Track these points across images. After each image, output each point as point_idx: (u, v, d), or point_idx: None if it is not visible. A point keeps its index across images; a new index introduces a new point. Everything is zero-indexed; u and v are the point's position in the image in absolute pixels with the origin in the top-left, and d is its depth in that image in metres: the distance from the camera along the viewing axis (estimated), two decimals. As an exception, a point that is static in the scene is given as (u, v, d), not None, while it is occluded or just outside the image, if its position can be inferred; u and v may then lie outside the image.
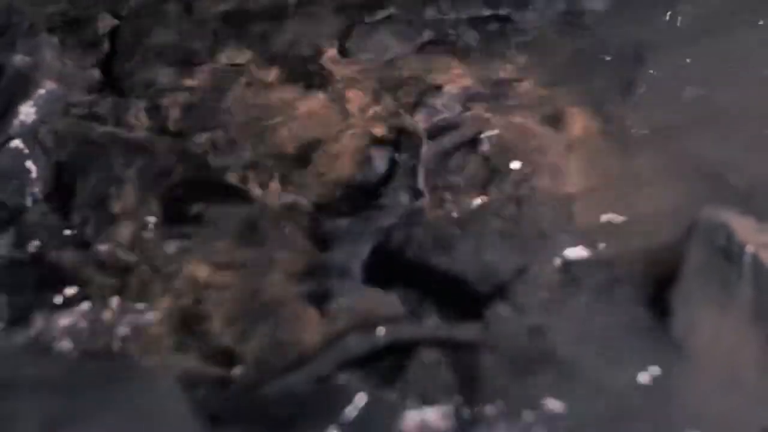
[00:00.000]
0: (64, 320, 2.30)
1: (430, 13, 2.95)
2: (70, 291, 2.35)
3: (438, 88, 2.72)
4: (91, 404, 2.00)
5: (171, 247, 2.43)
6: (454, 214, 2.42)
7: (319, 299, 2.29)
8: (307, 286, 2.32)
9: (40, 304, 2.33)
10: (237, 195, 2.52)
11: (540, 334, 2.19)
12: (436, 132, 2.61)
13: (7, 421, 1.95)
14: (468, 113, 2.65)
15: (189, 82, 2.78)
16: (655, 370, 2.13)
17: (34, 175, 2.58)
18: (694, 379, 2.12)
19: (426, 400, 2.10)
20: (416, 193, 2.48)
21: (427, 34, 2.89)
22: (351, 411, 2.06)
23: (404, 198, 2.47)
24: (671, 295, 2.20)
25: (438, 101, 2.68)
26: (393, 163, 2.54)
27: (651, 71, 2.74)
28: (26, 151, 2.60)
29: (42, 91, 2.67)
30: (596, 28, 2.89)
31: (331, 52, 2.86)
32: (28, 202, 2.54)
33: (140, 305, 2.31)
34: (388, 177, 2.52)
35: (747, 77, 2.72)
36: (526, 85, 2.72)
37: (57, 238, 2.47)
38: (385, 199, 2.47)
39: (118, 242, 2.45)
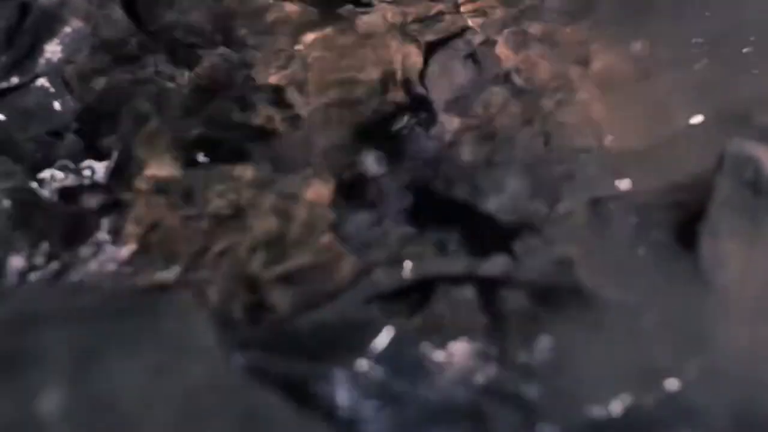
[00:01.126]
0: (93, 257, 2.31)
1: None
2: (98, 229, 2.37)
3: (462, 28, 2.70)
4: (121, 336, 2.01)
5: (199, 184, 2.43)
6: (482, 150, 2.42)
7: (348, 234, 2.30)
8: (336, 220, 2.33)
9: (69, 241, 2.35)
10: (264, 131, 2.52)
11: (568, 267, 2.19)
12: (460, 69, 2.61)
13: (38, 352, 1.96)
14: (493, 50, 2.64)
15: (217, 23, 2.77)
16: (683, 303, 2.13)
17: (59, 113, 2.58)
18: (722, 312, 2.12)
19: (453, 335, 2.11)
20: (438, 131, 2.48)
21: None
22: (379, 344, 2.08)
23: (427, 136, 2.47)
24: (699, 229, 2.20)
25: (461, 39, 2.67)
26: (414, 102, 2.54)
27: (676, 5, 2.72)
28: (52, 90, 2.60)
29: (68, 30, 2.65)
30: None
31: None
32: (53, 140, 2.54)
33: (169, 239, 2.33)
34: (410, 114, 2.52)
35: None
36: (550, 22, 2.70)
37: (84, 178, 2.48)
38: (408, 136, 2.47)
39: (146, 182, 2.46)
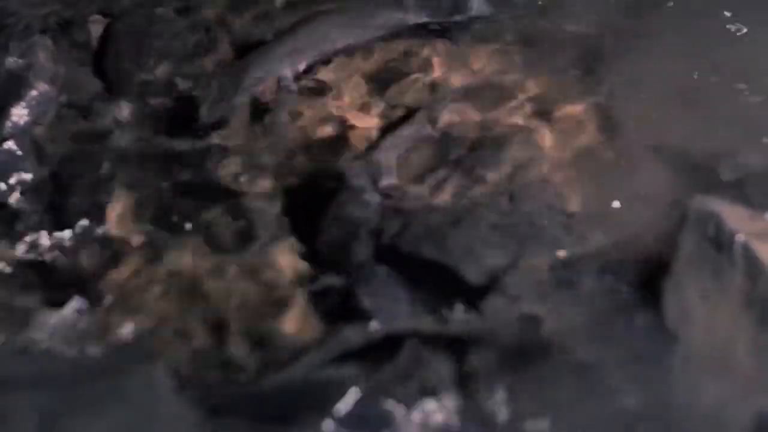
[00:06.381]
0: (60, 320, 2.31)
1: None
2: (65, 290, 2.37)
3: (430, 84, 2.73)
4: (88, 401, 2.01)
5: (166, 246, 2.44)
6: (448, 207, 2.43)
7: (314, 293, 2.31)
8: (301, 281, 2.34)
9: (35, 304, 2.35)
10: (230, 195, 2.53)
11: (534, 325, 2.20)
12: (425, 131, 2.62)
13: (6, 417, 1.96)
14: (459, 108, 2.66)
15: (182, 84, 2.79)
16: (647, 358, 2.15)
17: (27, 176, 2.59)
18: (687, 367, 2.14)
19: (420, 393, 2.11)
20: (404, 191, 2.50)
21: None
22: (345, 404, 2.08)
23: (393, 197, 2.48)
24: (664, 285, 2.22)
25: (429, 97, 2.69)
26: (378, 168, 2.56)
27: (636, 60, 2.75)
28: (19, 152, 2.61)
29: (35, 93, 2.68)
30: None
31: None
32: (22, 203, 2.54)
33: (137, 303, 2.33)
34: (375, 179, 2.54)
35: (734, 62, 2.71)
36: (515, 78, 2.72)
37: (51, 239, 2.48)
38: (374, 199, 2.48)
39: (111, 242, 2.46)
